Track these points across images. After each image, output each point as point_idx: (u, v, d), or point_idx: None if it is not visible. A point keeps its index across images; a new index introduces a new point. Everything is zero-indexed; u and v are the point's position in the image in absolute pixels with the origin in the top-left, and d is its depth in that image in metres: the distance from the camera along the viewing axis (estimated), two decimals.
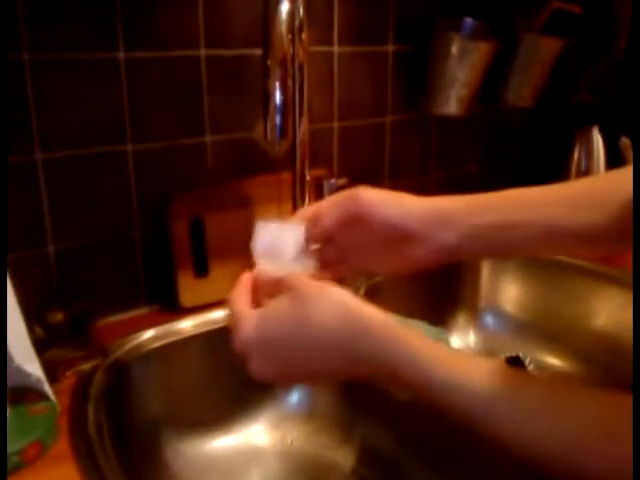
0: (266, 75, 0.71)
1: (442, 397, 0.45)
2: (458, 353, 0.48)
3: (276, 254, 0.56)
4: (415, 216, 0.56)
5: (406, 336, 0.47)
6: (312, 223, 0.57)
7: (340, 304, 0.48)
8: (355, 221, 0.56)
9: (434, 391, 0.45)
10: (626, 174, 0.52)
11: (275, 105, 0.72)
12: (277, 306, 0.50)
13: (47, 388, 0.65)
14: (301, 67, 0.80)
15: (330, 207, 0.57)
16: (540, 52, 1.17)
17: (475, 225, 0.55)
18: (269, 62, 0.70)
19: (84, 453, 0.61)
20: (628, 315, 0.97)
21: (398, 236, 0.56)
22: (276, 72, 0.70)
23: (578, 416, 0.42)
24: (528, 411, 0.43)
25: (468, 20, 1.11)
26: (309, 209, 0.60)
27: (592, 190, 0.54)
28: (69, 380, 0.73)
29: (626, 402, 0.40)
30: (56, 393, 0.66)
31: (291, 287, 0.50)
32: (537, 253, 0.55)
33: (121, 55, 0.83)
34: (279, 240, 0.56)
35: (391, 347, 0.46)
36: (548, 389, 0.45)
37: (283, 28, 0.67)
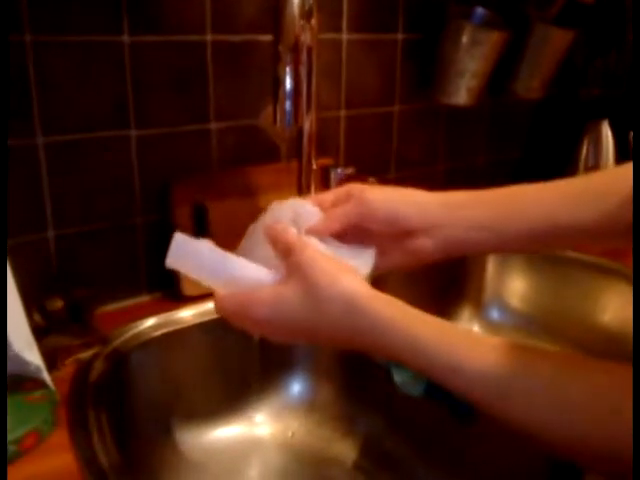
0: (277, 60, 0.69)
1: (445, 380, 0.46)
2: (460, 332, 0.48)
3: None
4: (421, 208, 0.57)
5: (408, 324, 0.48)
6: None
7: (347, 300, 0.49)
8: (362, 222, 0.57)
9: (437, 374, 0.46)
10: (628, 169, 0.52)
11: (285, 91, 0.71)
12: (290, 294, 0.51)
13: (46, 376, 0.65)
14: (310, 53, 0.78)
15: (337, 215, 0.57)
16: (551, 43, 1.16)
17: (479, 218, 0.56)
18: (280, 47, 0.68)
19: (82, 442, 0.60)
20: None
21: (404, 230, 0.57)
22: (287, 58, 0.69)
23: (582, 394, 0.42)
24: (529, 393, 0.43)
25: (479, 9, 1.09)
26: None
27: (593, 185, 0.55)
28: (68, 368, 0.72)
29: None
30: (55, 381, 0.66)
31: (303, 274, 0.50)
32: (538, 248, 0.55)
33: (126, 39, 0.82)
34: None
35: (394, 339, 0.47)
36: (552, 367, 0.44)
37: (295, 13, 0.66)
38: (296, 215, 0.57)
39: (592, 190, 0.55)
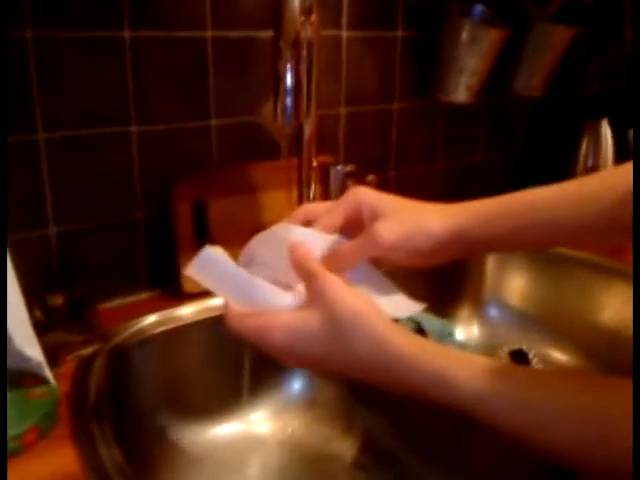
0: (277, 57, 0.69)
1: (474, 412, 0.46)
2: (482, 362, 0.49)
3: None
4: (435, 240, 0.57)
5: (432, 359, 0.48)
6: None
7: (372, 338, 0.49)
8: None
9: (468, 407, 0.47)
10: (619, 171, 0.55)
11: (286, 87, 0.71)
12: (312, 325, 0.51)
13: (47, 372, 0.65)
14: (310, 50, 0.78)
15: (349, 248, 0.58)
16: (551, 41, 1.16)
17: (487, 237, 0.57)
18: (281, 44, 0.68)
19: (84, 438, 0.60)
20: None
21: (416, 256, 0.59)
22: (287, 54, 0.69)
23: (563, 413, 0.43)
24: (512, 407, 0.45)
25: (478, 7, 1.09)
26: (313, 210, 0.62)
27: (590, 185, 0.56)
28: (69, 364, 0.72)
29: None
30: (56, 377, 0.66)
31: (326, 307, 0.50)
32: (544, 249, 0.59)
33: (126, 34, 0.81)
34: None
35: (419, 375, 0.48)
36: (533, 383, 0.46)
37: (296, 9, 0.66)
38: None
39: (590, 190, 0.55)
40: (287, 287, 0.55)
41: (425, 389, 0.48)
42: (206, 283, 0.56)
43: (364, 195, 0.60)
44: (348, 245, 0.58)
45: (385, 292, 0.60)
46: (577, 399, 0.43)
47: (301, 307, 0.52)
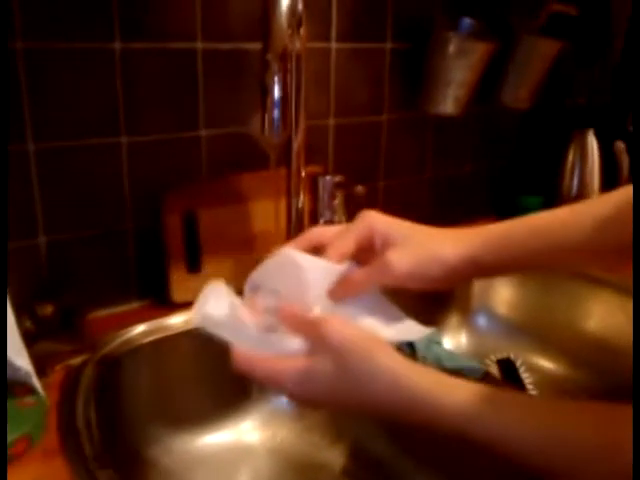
0: (265, 69, 0.70)
1: (494, 445, 0.47)
2: (501, 396, 0.49)
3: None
4: (449, 267, 0.58)
5: (448, 394, 0.49)
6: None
7: (387, 378, 0.50)
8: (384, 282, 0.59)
9: (488, 441, 0.47)
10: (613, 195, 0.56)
11: (273, 99, 0.72)
12: (322, 371, 0.51)
13: (36, 382, 0.65)
14: (299, 62, 0.79)
15: (360, 276, 0.59)
16: (538, 54, 1.17)
17: (499, 261, 0.58)
18: (269, 56, 0.69)
19: (73, 448, 0.61)
20: (619, 318, 0.97)
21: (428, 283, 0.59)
22: (275, 66, 0.69)
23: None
24: (498, 429, 0.46)
25: (466, 20, 1.11)
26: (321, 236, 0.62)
27: (578, 211, 0.57)
28: (58, 374, 0.72)
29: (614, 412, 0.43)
30: (45, 387, 0.66)
31: (334, 350, 0.51)
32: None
33: (117, 46, 0.82)
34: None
35: (435, 410, 0.48)
36: (530, 406, 0.48)
37: (284, 22, 0.67)
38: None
39: (577, 215, 0.56)
40: None
41: (445, 425, 0.48)
42: (211, 327, 0.56)
43: (375, 221, 0.59)
44: (359, 273, 0.58)
45: (391, 318, 0.60)
46: (559, 425, 0.45)
47: (309, 352, 0.53)
